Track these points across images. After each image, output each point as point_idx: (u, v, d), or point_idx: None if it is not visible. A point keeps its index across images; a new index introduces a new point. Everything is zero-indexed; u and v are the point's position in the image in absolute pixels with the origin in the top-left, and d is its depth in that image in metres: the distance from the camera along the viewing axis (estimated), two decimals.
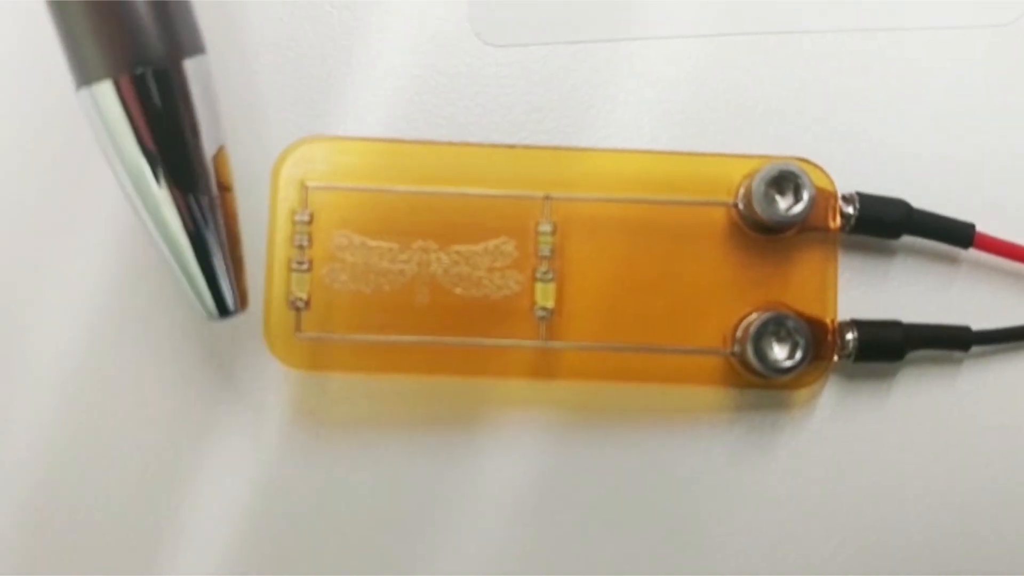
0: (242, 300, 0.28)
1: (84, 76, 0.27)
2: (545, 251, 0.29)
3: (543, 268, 0.29)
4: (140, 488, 0.30)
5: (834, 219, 0.30)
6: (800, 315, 0.29)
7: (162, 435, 0.31)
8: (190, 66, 0.28)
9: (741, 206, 0.29)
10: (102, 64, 0.27)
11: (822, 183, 0.29)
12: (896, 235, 0.30)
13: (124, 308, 0.31)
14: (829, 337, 0.29)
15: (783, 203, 0.29)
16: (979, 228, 0.30)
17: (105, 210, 0.31)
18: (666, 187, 0.30)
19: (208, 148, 0.28)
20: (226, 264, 0.28)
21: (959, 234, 0.30)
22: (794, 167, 0.29)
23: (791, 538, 0.30)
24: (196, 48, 0.28)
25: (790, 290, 0.30)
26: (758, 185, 0.29)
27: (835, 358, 0.30)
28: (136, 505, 0.31)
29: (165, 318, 0.31)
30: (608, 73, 0.31)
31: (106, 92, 0.27)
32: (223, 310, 0.28)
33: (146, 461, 0.31)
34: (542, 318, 0.29)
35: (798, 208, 0.29)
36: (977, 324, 0.30)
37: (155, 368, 0.31)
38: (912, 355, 0.30)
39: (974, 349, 0.30)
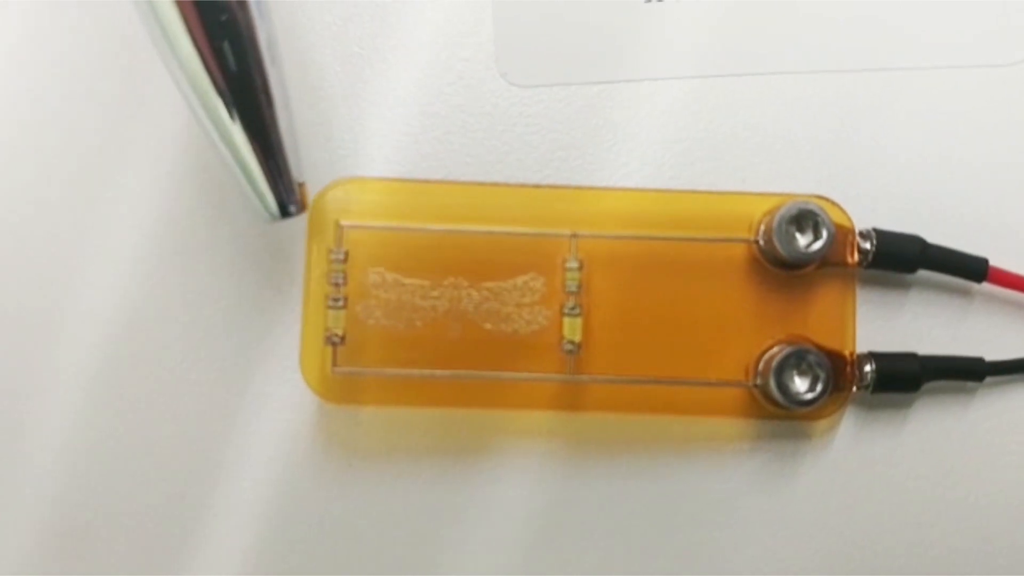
0: (303, 202, 0.29)
1: None
2: (572, 287, 0.30)
3: (570, 303, 0.30)
4: (173, 517, 0.31)
5: (852, 255, 0.30)
6: (820, 348, 0.30)
7: (199, 465, 0.31)
8: None
9: (762, 243, 0.30)
10: None
11: (840, 220, 0.30)
12: (912, 269, 0.31)
13: (164, 336, 0.31)
14: (848, 369, 0.30)
15: (803, 240, 0.30)
16: (992, 262, 0.31)
17: (126, 228, 0.31)
18: (688, 224, 0.30)
19: (263, 50, 0.28)
20: (286, 164, 0.28)
21: (973, 268, 0.31)
22: (813, 206, 0.30)
23: (812, 566, 0.31)
24: None
25: (810, 324, 0.30)
26: (779, 223, 0.29)
27: (854, 389, 0.30)
28: (167, 533, 0.31)
29: (203, 348, 0.31)
30: (630, 112, 0.32)
31: None
32: (284, 210, 0.29)
33: (180, 490, 0.31)
34: (569, 352, 0.30)
35: (817, 245, 0.30)
36: (991, 355, 0.31)
37: (191, 399, 0.31)
38: (928, 386, 0.31)
39: (988, 379, 0.31)
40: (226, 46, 0.28)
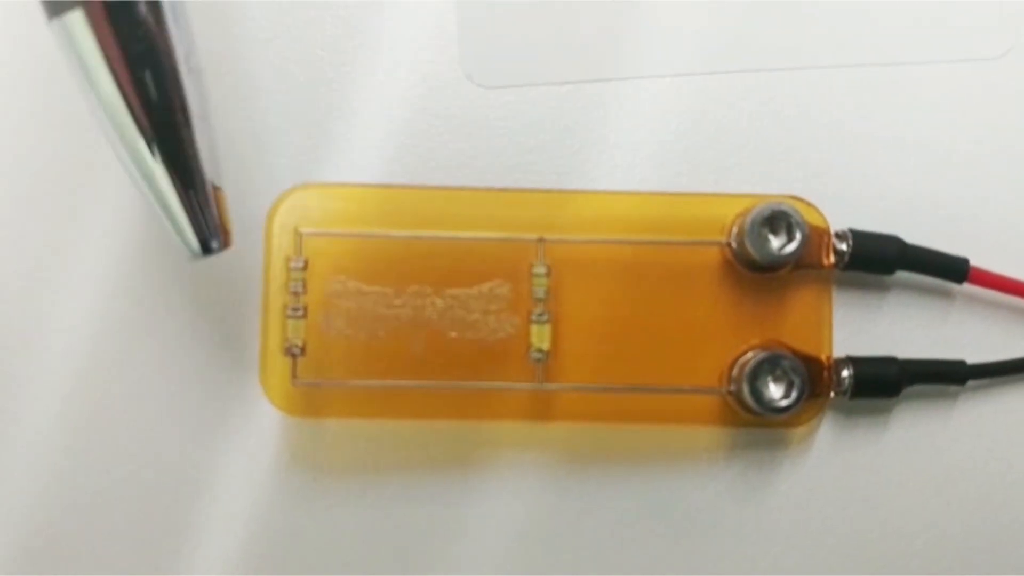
0: (225, 238, 0.28)
1: (55, 7, 0.27)
2: (540, 293, 0.29)
3: (538, 310, 0.29)
4: (136, 534, 0.30)
5: (828, 256, 0.30)
6: (795, 353, 0.29)
7: (158, 481, 0.30)
8: None
9: (734, 245, 0.29)
10: None
11: (815, 220, 0.30)
12: (890, 271, 0.30)
13: (122, 351, 0.31)
14: (825, 374, 0.29)
15: (776, 242, 0.29)
16: (973, 262, 0.30)
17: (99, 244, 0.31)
18: (659, 228, 0.30)
19: (182, 72, 0.27)
20: (206, 198, 0.27)
21: (953, 269, 0.30)
22: (786, 206, 0.29)
23: (791, 574, 0.30)
24: None
25: (785, 328, 0.30)
26: (751, 225, 0.29)
27: (831, 395, 0.30)
28: (132, 549, 0.30)
29: (161, 362, 0.31)
30: (599, 113, 0.31)
31: (77, 21, 0.27)
32: (206, 247, 0.28)
33: (141, 507, 0.30)
34: (538, 360, 0.29)
35: (791, 247, 0.29)
36: (972, 358, 0.30)
37: (151, 414, 0.31)
38: (908, 390, 0.30)
39: (970, 383, 0.30)
40: (147, 77, 0.27)
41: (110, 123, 0.27)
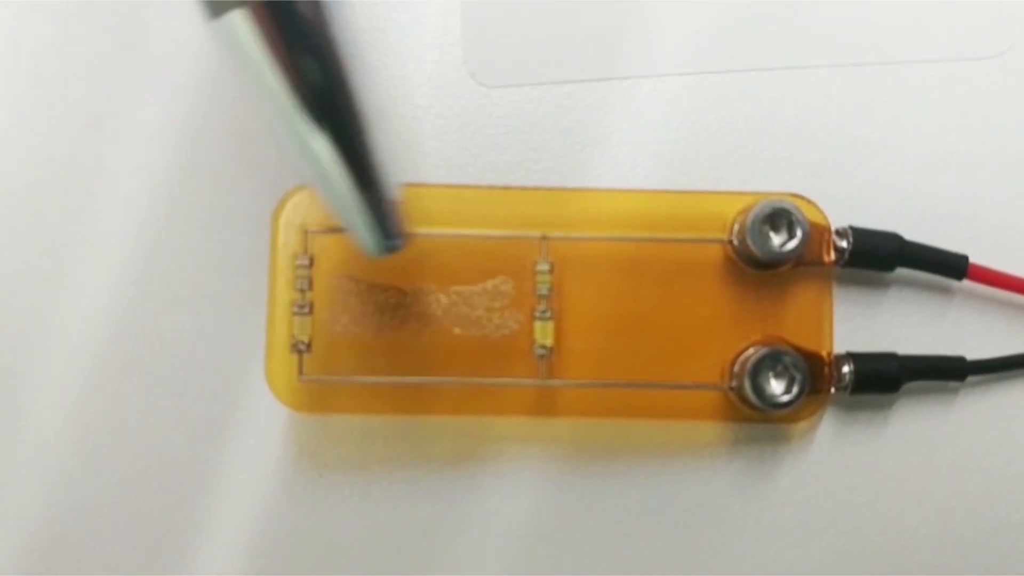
0: (405, 233, 0.27)
1: (217, 7, 0.26)
2: (543, 290, 0.30)
3: (541, 307, 0.30)
4: (142, 530, 0.31)
5: (828, 253, 0.30)
6: (796, 349, 0.29)
7: (165, 478, 0.31)
8: None
9: (736, 243, 0.30)
10: None
11: (815, 218, 0.30)
12: (890, 268, 0.30)
13: (129, 349, 0.31)
14: (825, 370, 0.30)
15: (777, 240, 0.29)
16: (972, 259, 0.30)
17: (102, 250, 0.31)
18: (661, 225, 0.30)
19: (354, 75, 0.27)
20: (386, 197, 0.27)
21: (952, 265, 0.31)
22: (787, 204, 0.29)
23: (793, 569, 0.31)
24: None
25: (786, 324, 0.30)
26: (752, 223, 0.29)
27: (832, 391, 0.30)
28: (139, 545, 0.31)
29: (168, 359, 0.31)
30: (602, 112, 0.32)
31: (241, 21, 0.26)
32: (388, 246, 0.27)
33: (148, 503, 0.31)
34: (541, 356, 0.30)
35: (792, 244, 0.29)
36: (971, 354, 0.31)
37: (158, 411, 0.31)
38: (908, 386, 0.30)
39: (969, 379, 0.31)
40: (318, 75, 0.26)
41: (287, 125, 0.26)
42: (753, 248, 0.29)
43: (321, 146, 0.26)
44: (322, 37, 0.26)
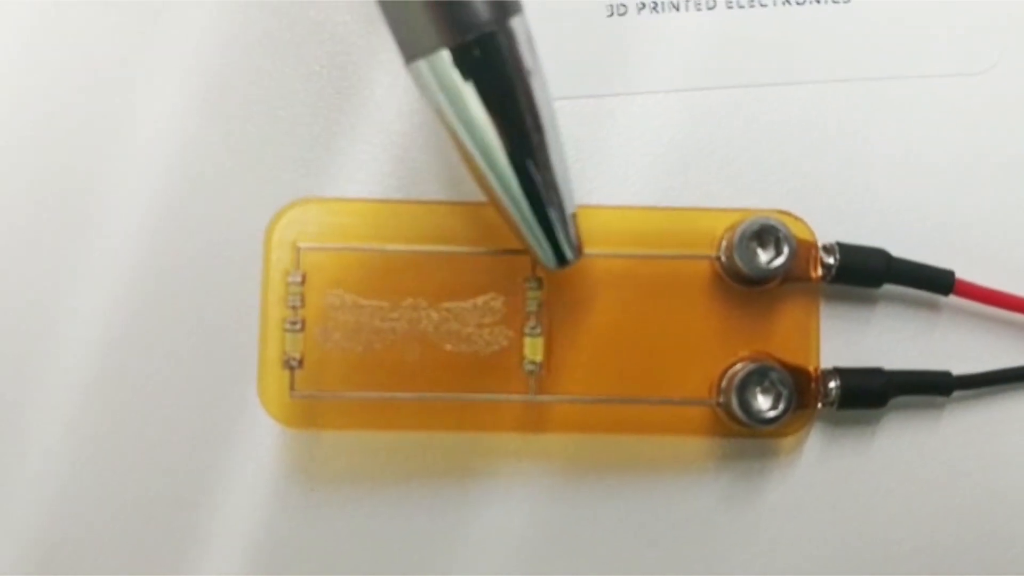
0: (579, 249, 0.29)
1: (414, 49, 0.27)
2: (533, 306, 0.30)
3: (531, 323, 0.30)
4: (135, 545, 0.31)
5: (815, 269, 0.30)
6: (783, 364, 0.30)
7: (157, 493, 0.31)
8: (516, 24, 0.27)
9: (723, 259, 0.30)
10: (434, 34, 0.27)
11: (802, 234, 0.30)
12: (877, 284, 0.31)
13: (121, 364, 0.31)
14: (812, 386, 0.30)
15: (764, 256, 0.29)
16: (958, 275, 0.31)
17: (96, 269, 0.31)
18: (650, 241, 0.30)
19: (542, 105, 0.28)
20: (564, 215, 0.28)
21: (939, 281, 0.31)
22: (774, 221, 0.29)
23: None
24: (517, 7, 0.27)
25: (773, 340, 0.30)
26: (739, 239, 0.29)
27: (819, 406, 0.30)
28: (132, 560, 0.31)
29: (160, 375, 0.31)
30: (590, 129, 0.32)
31: (442, 61, 0.27)
32: (561, 260, 0.28)
33: (140, 518, 0.31)
34: (531, 372, 0.30)
35: (779, 261, 0.29)
36: (958, 369, 0.31)
37: (150, 427, 0.31)
38: (895, 401, 0.31)
39: (955, 394, 0.31)
40: (517, 114, 0.27)
41: (480, 156, 0.28)
42: (740, 265, 0.29)
43: (513, 173, 0.28)
44: (515, 68, 0.27)
